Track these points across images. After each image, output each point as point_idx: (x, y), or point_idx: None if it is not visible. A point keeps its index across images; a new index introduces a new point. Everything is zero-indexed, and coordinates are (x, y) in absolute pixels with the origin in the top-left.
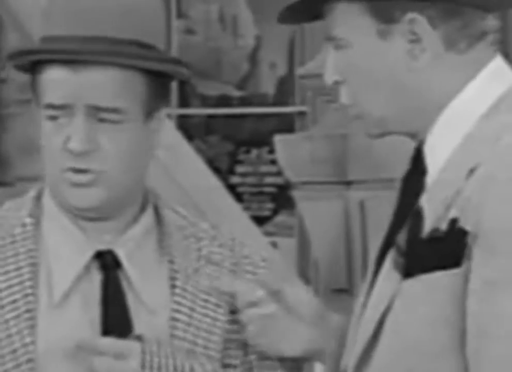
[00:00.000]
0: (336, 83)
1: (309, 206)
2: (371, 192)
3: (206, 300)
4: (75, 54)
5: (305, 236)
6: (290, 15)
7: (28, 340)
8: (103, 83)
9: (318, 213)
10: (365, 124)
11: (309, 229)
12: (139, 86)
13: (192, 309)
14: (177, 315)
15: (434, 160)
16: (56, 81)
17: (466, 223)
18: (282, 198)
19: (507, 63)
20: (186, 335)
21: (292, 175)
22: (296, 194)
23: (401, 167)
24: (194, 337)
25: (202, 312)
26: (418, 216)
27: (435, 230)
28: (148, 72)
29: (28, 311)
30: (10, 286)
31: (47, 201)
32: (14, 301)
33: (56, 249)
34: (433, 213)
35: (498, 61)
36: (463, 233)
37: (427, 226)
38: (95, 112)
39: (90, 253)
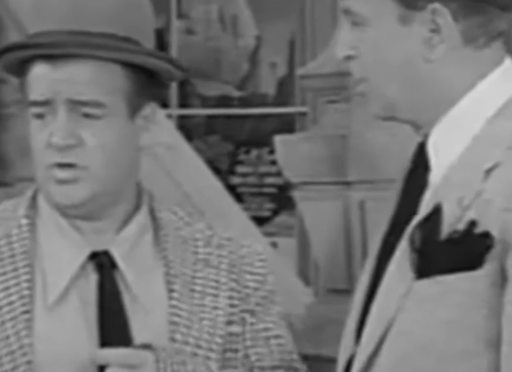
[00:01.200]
0: (348, 58)
1: (308, 206)
2: (371, 192)
3: (203, 305)
4: (50, 48)
5: (305, 237)
6: None
7: (25, 341)
8: (83, 77)
9: (318, 213)
10: (371, 104)
11: (309, 229)
12: (121, 81)
13: (190, 313)
14: (176, 319)
15: (439, 158)
16: (38, 77)
17: (488, 227)
18: (282, 198)
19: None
20: (188, 339)
21: (292, 176)
22: (295, 194)
23: (401, 168)
24: (197, 340)
25: (201, 316)
26: (435, 215)
27: (454, 232)
28: (132, 68)
29: (25, 312)
30: (7, 287)
31: (42, 201)
32: (11, 302)
33: (51, 250)
34: (450, 214)
35: (509, 62)
36: (483, 236)
37: (445, 226)
38: (78, 107)
39: (85, 253)
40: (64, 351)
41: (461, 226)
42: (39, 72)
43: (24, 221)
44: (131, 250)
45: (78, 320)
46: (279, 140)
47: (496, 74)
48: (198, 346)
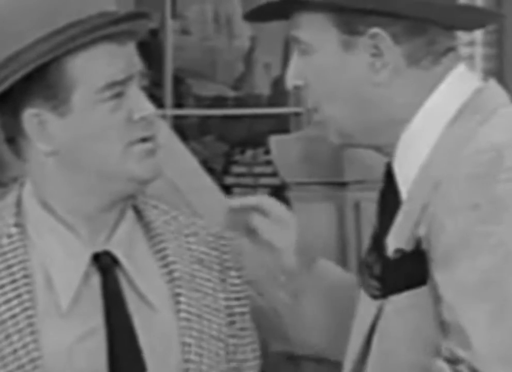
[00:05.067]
0: (296, 88)
1: (303, 207)
2: (366, 193)
3: (207, 306)
4: (116, 25)
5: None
6: (257, 14)
7: (35, 354)
8: (135, 51)
9: (313, 214)
10: (329, 132)
11: (304, 230)
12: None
13: (199, 316)
14: (187, 324)
15: (404, 176)
16: (111, 57)
17: (429, 242)
18: (278, 198)
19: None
20: (201, 343)
21: (287, 176)
22: (290, 194)
23: None
24: (209, 344)
25: (208, 318)
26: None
27: (398, 250)
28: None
29: (30, 325)
30: (8, 300)
31: (31, 206)
32: (14, 315)
33: (50, 257)
34: (399, 232)
35: (459, 71)
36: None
37: (391, 245)
38: (139, 79)
39: (87, 256)
40: (74, 360)
41: (411, 243)
42: (109, 52)
43: (14, 230)
44: (128, 249)
45: (85, 326)
46: (274, 140)
47: (445, 85)
48: (210, 351)
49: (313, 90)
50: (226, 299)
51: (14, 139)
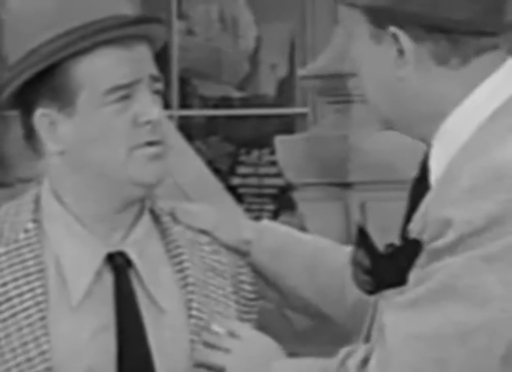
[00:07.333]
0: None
1: (309, 207)
2: (372, 193)
3: (219, 313)
4: (124, 28)
5: None
6: None
7: (45, 347)
8: (147, 54)
9: (319, 214)
10: (375, 117)
11: (310, 230)
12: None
13: (210, 323)
14: (199, 330)
15: (436, 169)
16: (116, 61)
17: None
18: (283, 199)
19: None
20: None
21: (292, 177)
22: (296, 195)
23: (401, 169)
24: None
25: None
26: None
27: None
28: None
29: (42, 318)
30: (21, 294)
31: (49, 204)
32: (26, 308)
33: (65, 254)
34: (416, 223)
35: (503, 70)
36: (416, 243)
37: (410, 234)
38: (152, 84)
39: (101, 255)
40: (83, 356)
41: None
42: (115, 55)
43: (31, 225)
44: (143, 251)
45: (96, 323)
46: (279, 140)
47: (489, 83)
48: None
49: (358, 74)
50: (237, 310)
51: (31, 136)
